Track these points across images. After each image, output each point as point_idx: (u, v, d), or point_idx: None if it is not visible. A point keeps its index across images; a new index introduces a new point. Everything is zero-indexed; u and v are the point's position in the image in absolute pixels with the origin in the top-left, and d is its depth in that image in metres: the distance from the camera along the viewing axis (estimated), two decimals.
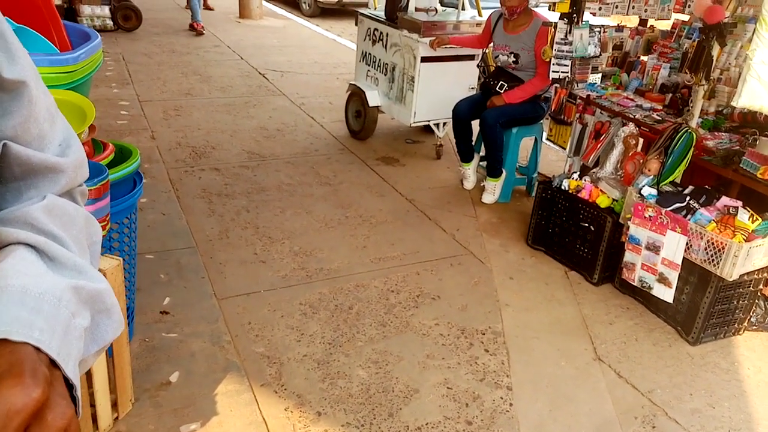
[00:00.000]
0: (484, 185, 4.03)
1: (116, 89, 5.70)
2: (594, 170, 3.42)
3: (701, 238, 2.65)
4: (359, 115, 4.92)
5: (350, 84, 5.02)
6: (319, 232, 3.47)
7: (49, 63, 2.24)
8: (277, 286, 2.93)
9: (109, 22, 7.87)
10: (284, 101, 5.81)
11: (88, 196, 1.72)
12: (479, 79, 4.23)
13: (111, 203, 2.16)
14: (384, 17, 4.63)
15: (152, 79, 6.13)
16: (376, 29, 4.70)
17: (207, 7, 10.16)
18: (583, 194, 3.23)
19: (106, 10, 7.83)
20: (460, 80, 4.48)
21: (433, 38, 4.16)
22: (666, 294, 2.82)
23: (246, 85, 6.24)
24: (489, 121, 3.78)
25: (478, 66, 4.25)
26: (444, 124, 4.60)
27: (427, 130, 4.85)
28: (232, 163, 4.31)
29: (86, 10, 7.72)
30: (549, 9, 3.51)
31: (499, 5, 3.78)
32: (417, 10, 4.56)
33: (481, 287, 3.09)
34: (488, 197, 3.98)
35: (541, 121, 4.03)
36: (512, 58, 3.79)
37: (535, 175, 4.16)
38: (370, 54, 4.81)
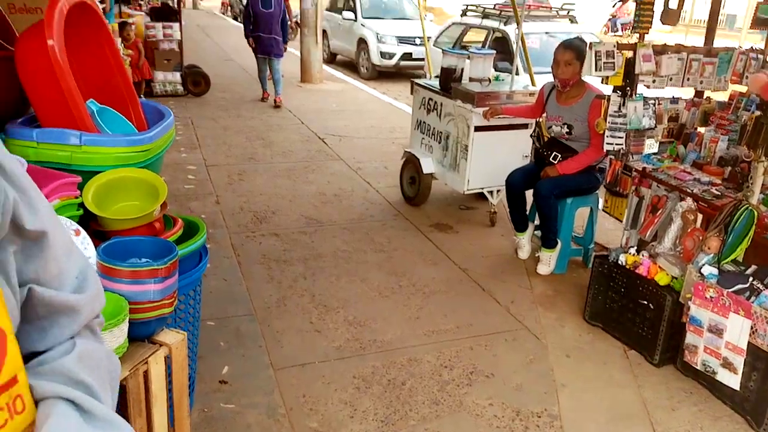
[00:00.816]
0: (539, 255, 4.01)
1: (185, 153, 6.03)
2: (652, 245, 3.36)
3: (767, 323, 2.55)
4: (414, 182, 5.02)
5: (405, 151, 5.14)
6: (373, 301, 3.52)
7: (126, 143, 2.42)
8: (331, 357, 2.98)
9: (180, 88, 8.38)
10: (342, 166, 5.99)
11: (159, 275, 1.84)
12: (533, 147, 4.26)
13: (179, 277, 2.28)
14: (438, 87, 4.77)
15: (218, 143, 6.46)
16: (430, 99, 4.84)
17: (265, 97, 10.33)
18: (641, 270, 3.17)
19: (177, 76, 8.35)
20: (514, 149, 4.53)
21: (487, 108, 4.25)
22: (731, 380, 2.70)
23: (306, 149, 6.48)
24: (543, 192, 3.79)
25: (531, 136, 4.29)
26: (498, 191, 4.63)
27: (481, 196, 4.89)
28: (291, 228, 4.45)
29: (159, 76, 8.27)
30: (602, 82, 3.55)
31: (550, 70, 3.85)
32: (471, 80, 4.69)
33: (537, 365, 3.04)
34: (543, 268, 3.95)
35: (597, 191, 4.01)
36: (565, 129, 3.82)
37: (592, 245, 4.11)
38: (424, 122, 4.94)
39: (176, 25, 8.11)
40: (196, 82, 8.46)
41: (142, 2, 10.16)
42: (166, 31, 8.03)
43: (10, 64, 2.29)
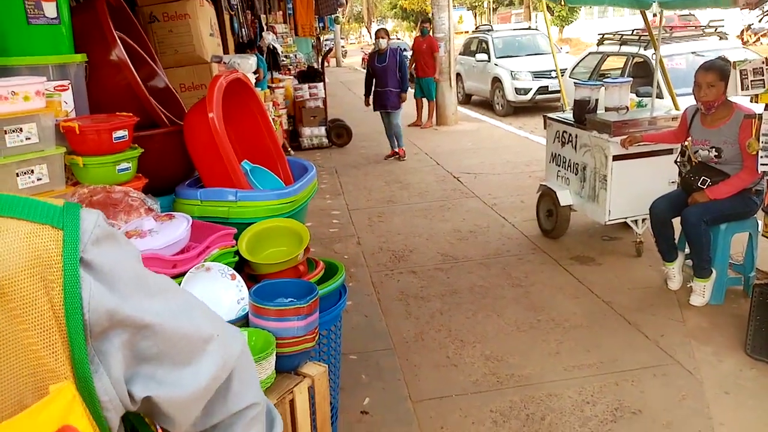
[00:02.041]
0: (691, 286, 3.74)
1: (330, 200, 6.46)
2: None
3: None
4: (551, 215, 4.95)
5: (541, 184, 5.10)
6: (510, 336, 3.50)
7: (275, 197, 2.70)
8: (468, 391, 3.01)
9: (325, 140, 9.03)
10: (477, 203, 6.06)
11: (302, 312, 2.04)
12: (680, 173, 4.04)
13: (320, 314, 2.48)
14: (572, 119, 4.71)
15: (359, 188, 6.84)
16: (564, 131, 4.79)
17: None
18: None
19: (322, 130, 9.01)
20: (658, 175, 4.32)
21: (625, 137, 4.12)
22: None
23: (441, 189, 6.65)
24: (691, 220, 3.57)
25: (675, 162, 4.07)
26: (643, 220, 4.41)
27: (625, 225, 4.69)
28: (427, 265, 4.58)
29: (306, 131, 8.97)
30: (751, 100, 3.31)
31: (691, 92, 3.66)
32: (607, 109, 4.58)
33: (690, 402, 2.83)
34: (697, 299, 3.68)
35: (755, 215, 3.69)
36: (714, 153, 3.59)
37: (753, 273, 3.76)
38: (559, 155, 4.88)
39: (320, 85, 8.81)
40: (339, 134, 9.06)
41: (291, 67, 11.16)
42: (311, 91, 8.75)
43: (180, 137, 2.71)
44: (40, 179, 2.07)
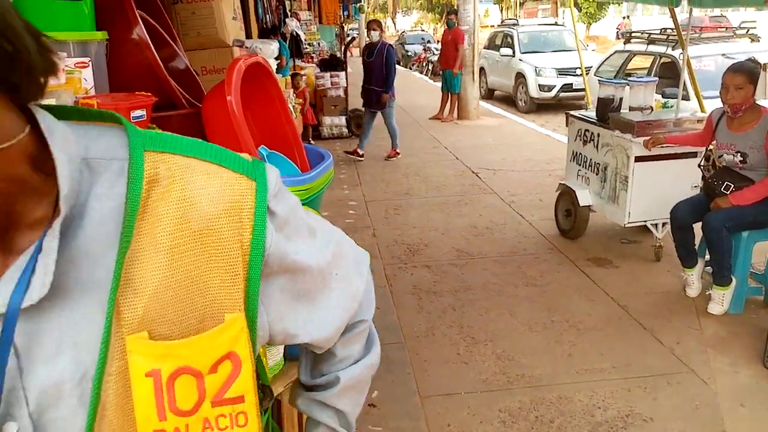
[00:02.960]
0: (710, 293, 3.66)
1: (347, 190, 6.44)
2: None
3: None
4: (569, 214, 4.87)
5: (560, 183, 5.02)
6: (522, 336, 3.46)
7: (290, 183, 2.67)
8: (477, 389, 2.98)
9: (345, 130, 8.99)
10: (495, 199, 6.00)
11: None
12: (703, 177, 3.95)
13: None
14: (595, 118, 4.63)
15: (377, 180, 6.81)
16: (587, 130, 4.70)
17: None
18: None
19: (342, 120, 8.98)
20: (681, 179, 4.23)
21: (648, 138, 4.03)
22: None
23: (459, 184, 6.59)
24: (713, 225, 3.49)
25: (699, 166, 3.98)
26: (664, 224, 4.33)
27: (645, 229, 4.60)
28: (442, 260, 4.54)
29: (327, 120, 8.95)
30: None
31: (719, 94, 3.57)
32: (631, 108, 4.49)
33: (704, 412, 2.77)
34: (715, 307, 3.60)
35: None
36: (739, 158, 3.50)
37: None
38: (580, 154, 4.80)
39: (342, 74, 8.77)
40: (359, 124, 9.01)
41: (313, 55, 11.13)
42: (333, 80, 8.71)
43: (198, 119, 2.69)
44: None
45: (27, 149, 0.54)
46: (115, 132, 0.61)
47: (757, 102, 3.42)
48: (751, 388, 2.94)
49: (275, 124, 3.12)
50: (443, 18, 12.08)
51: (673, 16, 5.07)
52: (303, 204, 2.48)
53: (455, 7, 11.66)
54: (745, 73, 3.36)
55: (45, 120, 0.56)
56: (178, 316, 0.57)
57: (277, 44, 5.66)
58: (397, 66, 7.88)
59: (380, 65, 7.45)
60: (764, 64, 3.18)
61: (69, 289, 0.54)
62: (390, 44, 7.90)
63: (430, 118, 10.71)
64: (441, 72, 10.51)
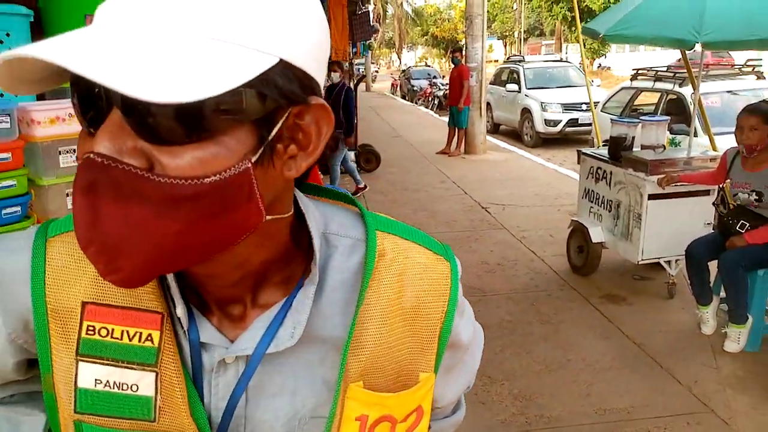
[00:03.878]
0: (726, 331, 3.65)
1: None
2: None
3: None
4: (582, 251, 4.89)
5: (572, 220, 5.05)
6: (539, 375, 3.44)
7: None
8: (496, 430, 2.95)
9: (354, 165, 9.06)
10: (505, 235, 6.02)
11: None
12: (717, 216, 3.97)
13: None
14: (607, 156, 4.68)
15: (386, 215, 6.83)
16: (599, 167, 4.75)
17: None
18: None
19: (351, 155, 9.05)
20: (694, 216, 4.25)
21: (662, 176, 4.07)
22: None
23: (468, 219, 6.62)
24: (729, 264, 3.50)
25: (714, 204, 4.00)
26: (677, 261, 4.33)
27: (657, 265, 4.61)
28: None
29: (351, 155, 8.99)
30: None
31: (732, 133, 3.62)
32: (643, 147, 4.54)
33: None
34: (732, 346, 3.59)
35: None
36: (754, 197, 3.53)
37: None
38: (593, 191, 4.84)
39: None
40: (368, 159, 9.11)
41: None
42: None
43: None
44: None
45: (290, 221, 0.63)
46: (347, 212, 0.71)
47: None
48: None
49: None
50: (448, 53, 12.28)
51: (684, 56, 5.16)
52: None
53: (460, 44, 11.87)
54: (759, 114, 3.42)
55: (300, 196, 0.66)
56: (387, 371, 0.66)
57: None
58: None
59: (336, 107, 7.18)
60: None
61: (302, 342, 0.64)
62: (350, 86, 7.83)
63: (437, 153, 10.82)
64: (448, 108, 10.65)
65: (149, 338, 0.61)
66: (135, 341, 0.61)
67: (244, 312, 0.64)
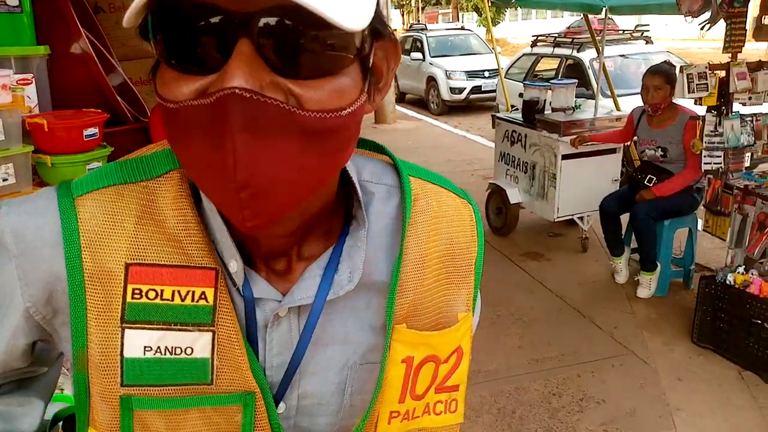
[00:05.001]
0: (638, 279, 3.95)
1: None
2: (760, 263, 3.26)
3: None
4: (500, 212, 5.08)
5: (490, 183, 5.22)
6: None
7: None
8: None
9: None
10: None
11: None
12: (622, 172, 4.25)
13: None
14: (521, 119, 4.85)
15: None
16: (514, 131, 4.92)
17: None
18: (752, 289, 3.08)
19: None
20: (603, 174, 4.52)
21: (575, 137, 4.29)
22: None
23: None
24: (640, 216, 3.76)
25: (623, 162, 4.27)
26: (588, 216, 4.61)
27: (569, 222, 4.88)
28: None
29: None
30: (695, 103, 3.53)
31: (627, 95, 3.86)
32: (554, 110, 4.74)
33: (648, 390, 2.99)
34: (644, 291, 3.89)
35: (695, 211, 3.93)
36: (660, 152, 3.80)
37: (693, 266, 4.01)
38: (508, 154, 5.01)
39: None
40: None
41: None
42: None
43: (145, 133, 2.58)
44: (6, 179, 1.93)
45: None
46: (375, 161, 0.69)
47: (674, 101, 3.73)
48: (685, 363, 3.20)
49: None
50: None
51: (588, 22, 5.41)
52: None
53: None
54: (662, 74, 3.66)
55: None
56: (427, 312, 0.66)
57: None
58: None
59: None
60: (681, 66, 3.46)
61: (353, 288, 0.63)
62: None
63: None
64: None
65: (203, 297, 0.57)
66: (188, 301, 0.57)
67: (288, 266, 0.62)
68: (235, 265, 0.58)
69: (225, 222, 0.58)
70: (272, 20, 0.45)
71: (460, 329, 0.68)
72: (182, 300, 0.57)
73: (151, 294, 0.56)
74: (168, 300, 0.57)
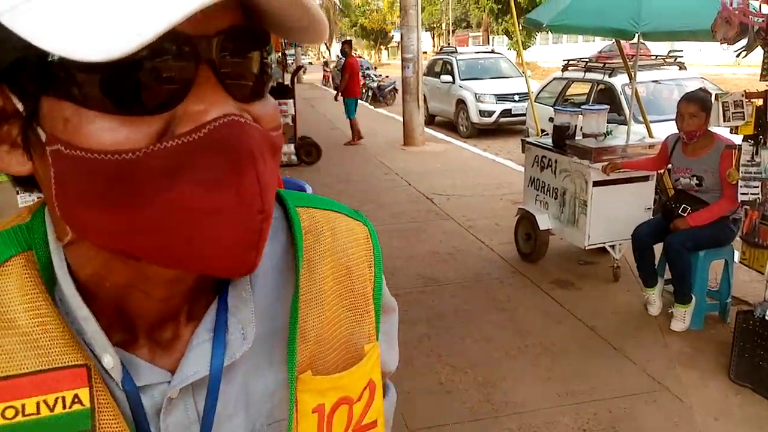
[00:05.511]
0: (671, 311, 3.83)
1: None
2: None
3: None
4: (529, 238, 5.00)
5: (519, 208, 5.16)
6: (500, 362, 3.50)
7: None
8: (464, 419, 2.97)
9: (294, 158, 8.92)
10: (452, 224, 6.08)
11: None
12: (659, 200, 4.15)
13: None
14: (551, 144, 4.79)
15: None
16: (543, 156, 4.86)
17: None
18: None
19: (291, 147, 8.91)
20: (635, 202, 4.43)
21: (606, 164, 4.21)
22: None
23: (415, 210, 6.65)
24: (674, 246, 3.66)
25: (656, 190, 4.18)
26: (620, 245, 4.51)
27: (601, 250, 4.78)
28: (409, 288, 4.55)
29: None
30: (731, 131, 3.44)
31: (659, 121, 3.78)
32: (584, 135, 4.68)
33: (683, 428, 2.87)
34: (678, 324, 3.76)
35: (731, 243, 3.81)
36: (695, 181, 3.70)
37: (729, 299, 3.88)
38: (538, 179, 4.95)
39: (291, 102, 8.72)
40: (308, 152, 8.97)
41: None
42: (282, 108, 8.64)
43: None
44: None
45: None
46: None
47: (710, 129, 3.64)
48: (722, 402, 3.08)
49: None
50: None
51: (620, 47, 5.36)
52: None
53: (348, 38, 12.48)
54: (698, 102, 3.59)
55: None
56: (333, 353, 0.60)
57: None
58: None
59: None
60: (716, 94, 3.39)
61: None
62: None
63: (344, 144, 11.02)
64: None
65: (77, 400, 0.48)
66: (59, 409, 0.48)
67: (176, 332, 0.55)
68: (110, 360, 0.50)
69: (93, 305, 0.50)
70: (229, 43, 0.44)
71: (368, 362, 0.63)
72: (51, 410, 0.48)
73: (9, 413, 0.46)
74: (33, 414, 0.47)
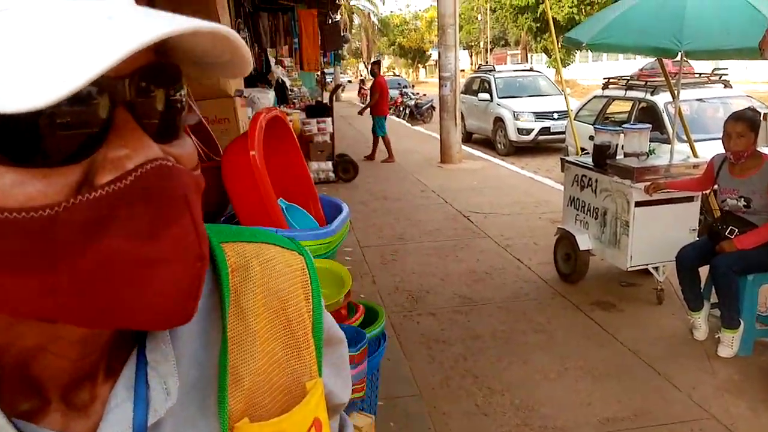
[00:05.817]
0: (718, 336, 3.69)
1: None
2: None
3: None
4: (569, 258, 4.91)
5: (559, 228, 5.07)
6: (539, 385, 3.42)
7: (313, 237, 2.64)
8: None
9: (332, 175, 9.01)
10: (490, 243, 6.02)
11: (354, 361, 1.96)
12: (705, 222, 4.03)
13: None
14: (591, 164, 4.71)
15: (369, 225, 6.79)
16: (584, 175, 4.78)
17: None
18: None
19: (329, 165, 9.01)
20: (680, 223, 4.31)
21: (649, 184, 4.12)
22: None
23: (452, 228, 6.61)
24: (721, 269, 3.54)
25: (701, 211, 4.06)
26: (664, 266, 4.38)
27: (644, 271, 4.65)
28: (446, 307, 4.51)
29: (314, 165, 8.95)
30: None
31: (703, 140, 3.68)
32: (626, 155, 4.59)
33: None
34: (725, 350, 3.63)
35: None
36: (743, 202, 3.59)
37: None
38: (578, 199, 4.87)
39: (329, 120, 8.83)
40: (345, 169, 9.06)
41: (295, 101, 11.22)
42: (320, 126, 8.76)
43: (216, 172, 2.65)
44: None
45: None
46: None
47: (758, 149, 3.53)
48: None
49: (291, 175, 3.11)
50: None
51: (662, 66, 5.26)
52: (323, 257, 2.43)
53: (377, 58, 12.71)
54: (746, 121, 3.49)
55: None
56: (271, 396, 0.57)
57: (273, 93, 5.71)
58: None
59: None
60: (764, 113, 3.29)
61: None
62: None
63: (364, 158, 11.09)
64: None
65: None
66: None
67: (93, 392, 0.49)
68: None
69: None
70: (144, 83, 0.42)
71: (312, 400, 0.59)
72: None
73: None
74: None
